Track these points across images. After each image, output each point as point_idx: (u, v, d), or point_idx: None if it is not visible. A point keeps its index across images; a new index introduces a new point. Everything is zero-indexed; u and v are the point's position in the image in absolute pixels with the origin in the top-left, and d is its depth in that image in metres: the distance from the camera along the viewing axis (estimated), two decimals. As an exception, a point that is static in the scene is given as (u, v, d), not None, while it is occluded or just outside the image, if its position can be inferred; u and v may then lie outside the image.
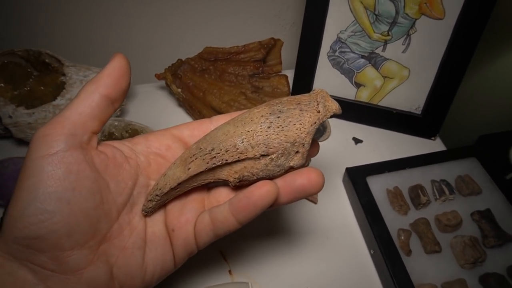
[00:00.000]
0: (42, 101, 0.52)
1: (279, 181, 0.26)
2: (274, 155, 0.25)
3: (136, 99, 0.61)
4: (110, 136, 0.49)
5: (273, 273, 0.42)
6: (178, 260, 0.27)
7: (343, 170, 0.50)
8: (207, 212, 0.27)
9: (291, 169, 0.26)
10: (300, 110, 0.25)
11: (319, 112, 0.25)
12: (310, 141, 0.25)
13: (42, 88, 0.53)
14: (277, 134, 0.24)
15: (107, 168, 0.25)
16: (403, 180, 0.49)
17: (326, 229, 0.47)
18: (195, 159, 0.26)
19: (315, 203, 0.49)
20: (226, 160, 0.25)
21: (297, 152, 0.25)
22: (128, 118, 0.57)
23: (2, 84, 0.52)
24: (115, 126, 0.49)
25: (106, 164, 0.25)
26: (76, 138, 0.23)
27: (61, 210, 0.22)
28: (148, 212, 0.27)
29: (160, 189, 0.26)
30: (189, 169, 0.25)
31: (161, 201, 0.27)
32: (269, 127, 0.25)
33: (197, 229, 0.27)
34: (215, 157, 0.25)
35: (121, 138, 0.49)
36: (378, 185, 0.48)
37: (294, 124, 0.25)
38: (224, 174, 0.26)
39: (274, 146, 0.25)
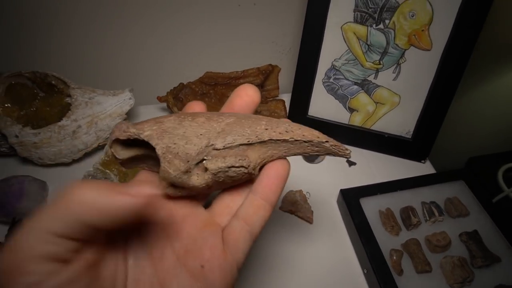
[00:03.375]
0: (48, 122, 0.54)
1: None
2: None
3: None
4: (114, 157, 0.50)
5: (270, 292, 0.44)
6: None
7: (337, 191, 0.52)
8: (234, 218, 0.26)
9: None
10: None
11: None
12: None
13: (48, 109, 0.55)
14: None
15: None
16: (395, 201, 0.51)
17: (321, 248, 0.48)
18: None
19: (311, 223, 0.51)
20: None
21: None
22: (130, 138, 0.59)
23: (9, 105, 0.54)
24: (118, 147, 0.51)
25: None
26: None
27: None
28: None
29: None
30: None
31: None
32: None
33: (234, 238, 0.25)
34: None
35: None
36: (371, 206, 0.50)
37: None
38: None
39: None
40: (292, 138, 0.25)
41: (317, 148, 0.27)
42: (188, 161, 0.23)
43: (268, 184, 0.26)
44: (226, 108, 0.29)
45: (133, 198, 0.19)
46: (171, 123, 0.24)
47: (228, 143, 0.24)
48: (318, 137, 0.26)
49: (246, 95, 0.28)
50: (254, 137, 0.25)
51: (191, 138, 0.24)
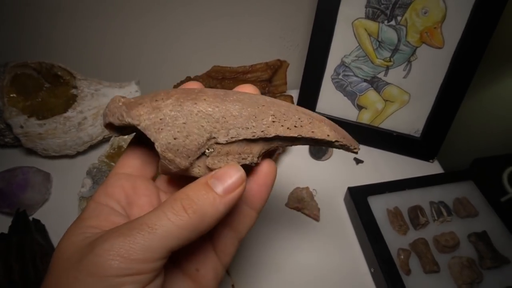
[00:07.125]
0: (53, 113, 0.53)
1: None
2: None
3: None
4: (119, 149, 0.50)
5: (276, 289, 0.43)
6: None
7: (345, 189, 0.52)
8: (222, 226, 0.26)
9: None
10: None
11: None
12: None
13: (53, 99, 0.54)
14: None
15: None
16: (403, 200, 0.50)
17: (327, 246, 0.48)
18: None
19: (317, 220, 0.50)
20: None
21: None
22: (135, 131, 0.58)
23: (14, 95, 0.53)
24: (124, 140, 0.51)
25: None
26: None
27: None
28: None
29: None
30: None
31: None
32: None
33: (223, 244, 0.26)
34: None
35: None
36: (378, 205, 0.49)
37: None
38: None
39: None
40: (300, 135, 0.24)
41: (324, 145, 0.25)
42: (189, 157, 0.23)
43: (256, 193, 0.26)
44: None
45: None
46: (169, 108, 0.23)
47: (232, 137, 0.23)
48: (328, 135, 0.24)
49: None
50: (260, 131, 0.23)
51: (192, 131, 0.23)
